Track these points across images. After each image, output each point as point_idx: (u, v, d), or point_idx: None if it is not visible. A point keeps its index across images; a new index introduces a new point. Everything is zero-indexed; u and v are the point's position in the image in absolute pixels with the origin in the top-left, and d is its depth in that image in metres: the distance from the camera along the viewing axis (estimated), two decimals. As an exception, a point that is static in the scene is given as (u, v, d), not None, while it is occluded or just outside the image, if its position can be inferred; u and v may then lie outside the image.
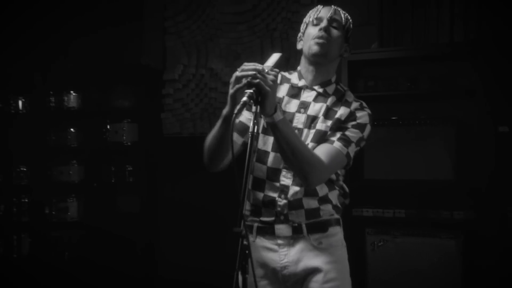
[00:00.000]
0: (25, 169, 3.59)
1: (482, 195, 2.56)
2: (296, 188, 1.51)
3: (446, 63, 2.82)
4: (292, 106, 1.55)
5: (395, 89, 2.86)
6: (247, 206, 1.58)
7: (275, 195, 1.51)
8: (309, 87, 1.56)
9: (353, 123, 1.52)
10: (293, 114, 1.53)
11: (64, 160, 3.51)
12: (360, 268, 2.71)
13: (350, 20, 1.60)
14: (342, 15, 1.57)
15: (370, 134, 1.58)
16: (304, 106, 1.53)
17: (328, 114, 1.52)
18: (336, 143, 1.48)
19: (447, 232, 2.60)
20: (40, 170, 3.57)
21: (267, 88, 1.29)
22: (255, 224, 1.54)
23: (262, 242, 1.53)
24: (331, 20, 1.54)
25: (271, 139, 1.51)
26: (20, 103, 3.61)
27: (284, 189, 1.51)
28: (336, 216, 1.59)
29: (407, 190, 2.81)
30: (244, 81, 1.31)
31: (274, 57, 1.42)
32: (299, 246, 1.52)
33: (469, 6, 2.77)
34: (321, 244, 1.52)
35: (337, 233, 1.57)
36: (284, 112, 1.52)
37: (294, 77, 1.60)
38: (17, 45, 3.64)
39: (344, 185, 1.63)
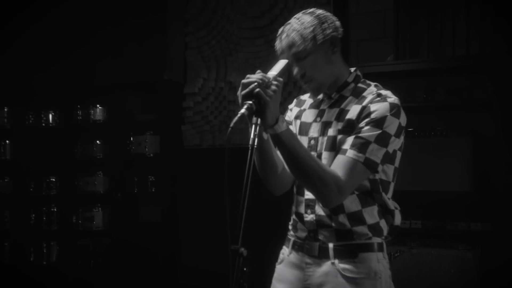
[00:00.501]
0: (54, 180, 3.74)
1: (500, 207, 2.54)
2: None
3: (462, 75, 2.80)
4: (310, 116, 1.48)
5: (412, 101, 2.85)
6: (290, 221, 1.51)
7: (302, 210, 1.43)
8: (327, 97, 1.46)
9: (367, 119, 1.32)
10: (310, 124, 1.46)
11: (90, 171, 3.64)
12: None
13: (311, 29, 1.34)
14: (298, 39, 1.33)
15: (400, 127, 1.32)
16: (320, 114, 1.45)
17: (340, 116, 1.39)
18: (349, 152, 1.31)
19: (464, 243, 2.58)
20: (67, 181, 3.71)
21: (267, 98, 1.20)
22: (292, 239, 1.48)
23: (294, 257, 1.46)
24: (295, 57, 1.35)
25: None
26: (50, 116, 3.77)
27: (309, 203, 1.42)
28: (376, 239, 1.38)
29: (423, 201, 2.80)
30: (245, 91, 1.22)
31: (280, 64, 1.31)
32: (325, 269, 1.38)
33: (484, 19, 2.77)
34: (346, 271, 1.36)
35: (370, 260, 1.36)
36: (301, 123, 1.48)
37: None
38: (47, 62, 3.82)
39: (389, 201, 1.40)
